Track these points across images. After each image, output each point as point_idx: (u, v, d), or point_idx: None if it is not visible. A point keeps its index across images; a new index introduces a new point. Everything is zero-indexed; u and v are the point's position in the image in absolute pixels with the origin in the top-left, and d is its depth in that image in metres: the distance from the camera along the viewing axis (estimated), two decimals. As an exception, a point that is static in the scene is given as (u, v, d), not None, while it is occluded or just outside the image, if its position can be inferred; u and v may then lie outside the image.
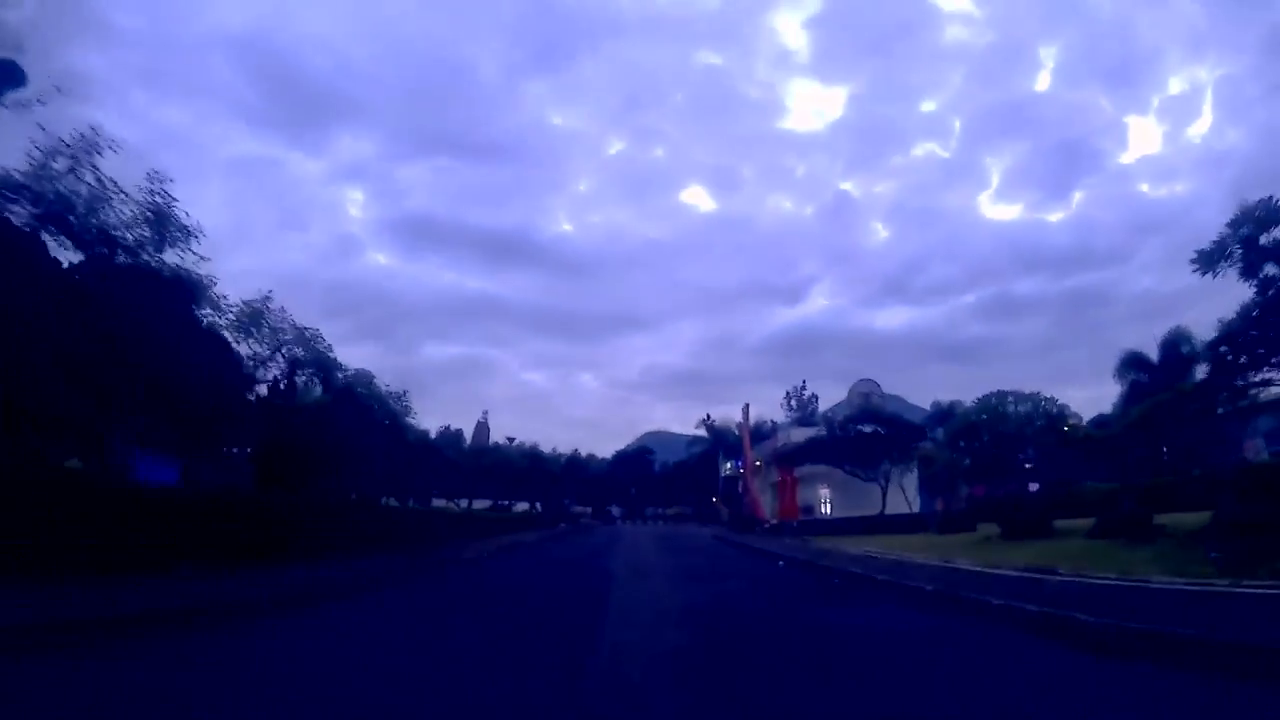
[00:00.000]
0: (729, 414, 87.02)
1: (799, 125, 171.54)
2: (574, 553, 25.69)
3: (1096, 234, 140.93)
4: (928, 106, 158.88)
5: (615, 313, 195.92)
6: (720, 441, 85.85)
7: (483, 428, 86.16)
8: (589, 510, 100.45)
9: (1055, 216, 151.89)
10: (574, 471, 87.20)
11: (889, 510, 40.66)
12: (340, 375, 25.34)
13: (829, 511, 54.54)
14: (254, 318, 18.88)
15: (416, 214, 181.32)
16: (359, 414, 24.10)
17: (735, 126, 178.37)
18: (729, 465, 73.15)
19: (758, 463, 58.84)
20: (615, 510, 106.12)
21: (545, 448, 78.91)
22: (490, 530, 36.36)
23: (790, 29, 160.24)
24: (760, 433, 76.46)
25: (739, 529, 54.08)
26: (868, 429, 41.68)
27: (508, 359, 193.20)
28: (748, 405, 63.11)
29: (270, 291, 20.09)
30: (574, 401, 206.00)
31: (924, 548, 19.67)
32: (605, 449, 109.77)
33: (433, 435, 53.30)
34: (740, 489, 65.95)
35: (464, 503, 50.54)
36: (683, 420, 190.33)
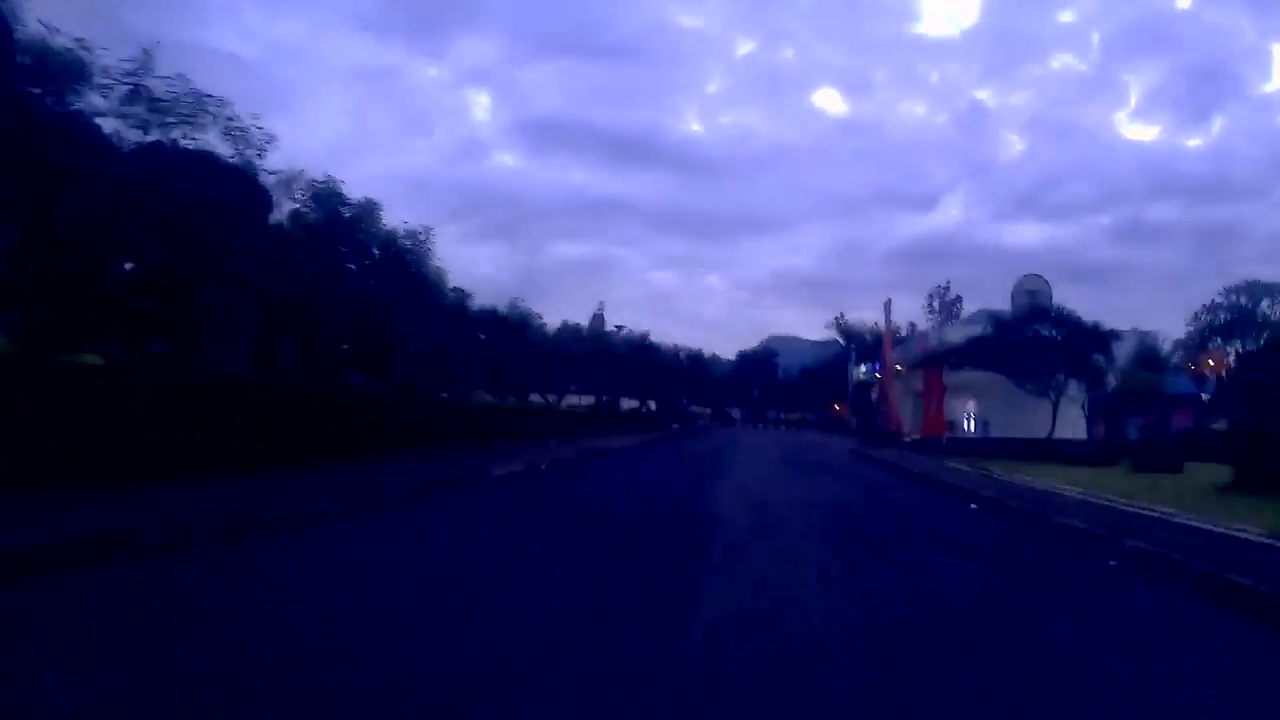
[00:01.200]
0: (861, 318, 78.37)
1: (932, 30, 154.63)
2: (670, 468, 20.18)
3: (1234, 164, 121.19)
4: (1065, 17, 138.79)
5: (743, 215, 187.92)
6: (852, 344, 77.95)
7: (599, 319, 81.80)
8: (708, 411, 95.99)
9: (1193, 142, 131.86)
10: (695, 371, 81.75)
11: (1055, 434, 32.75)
12: (298, 197, 17.04)
13: (974, 429, 46.82)
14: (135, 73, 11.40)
15: (543, 115, 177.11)
16: (357, 257, 18.11)
17: (867, 29, 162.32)
18: (862, 370, 65.48)
19: (898, 368, 51.12)
20: (736, 413, 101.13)
21: (667, 344, 72.92)
22: (579, 430, 31.79)
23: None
24: (895, 339, 67.77)
25: (871, 441, 47.41)
26: (1043, 331, 33.26)
27: (634, 258, 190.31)
28: (889, 301, 54.57)
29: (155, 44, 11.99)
30: (700, 302, 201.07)
31: (1150, 493, 12.87)
32: (729, 351, 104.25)
33: (552, 329, 48.93)
34: (875, 397, 58.63)
35: (558, 399, 46.37)
36: (808, 325, 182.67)
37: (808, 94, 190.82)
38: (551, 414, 33.05)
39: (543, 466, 17.96)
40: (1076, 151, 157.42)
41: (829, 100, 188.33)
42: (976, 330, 35.75)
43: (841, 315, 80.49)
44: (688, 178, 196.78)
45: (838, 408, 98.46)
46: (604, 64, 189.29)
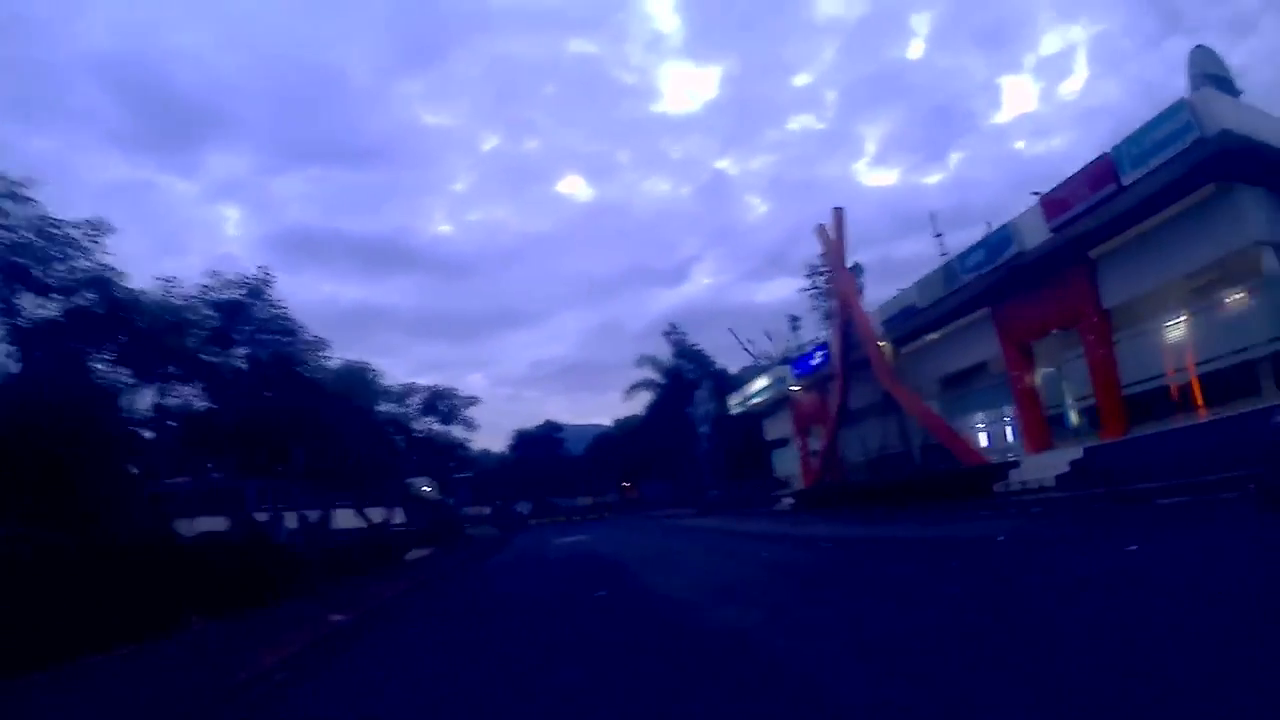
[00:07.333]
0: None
1: (674, 108, 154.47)
2: None
3: (974, 191, 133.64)
4: (801, 80, 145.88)
5: (499, 310, 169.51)
6: (689, 371, 53.93)
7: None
8: (486, 510, 66.24)
9: (933, 179, 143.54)
10: (458, 449, 51.12)
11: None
12: None
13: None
14: None
15: (293, 227, 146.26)
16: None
17: (609, 113, 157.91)
18: (760, 385, 40.33)
19: (883, 344, 27.49)
20: (524, 508, 72.38)
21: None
22: None
23: (662, 12, 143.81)
24: (750, 367, 45.22)
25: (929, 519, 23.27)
26: None
27: (393, 366, 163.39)
28: (841, 211, 30.74)
29: None
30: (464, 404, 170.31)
31: None
32: (498, 448, 78.42)
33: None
34: (830, 410, 34.25)
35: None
36: (575, 411, 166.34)
37: (553, 183, 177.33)
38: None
39: None
40: (819, 204, 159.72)
41: (574, 186, 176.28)
42: None
43: (674, 327, 56.71)
44: (441, 279, 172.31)
45: (626, 485, 74.18)
46: (351, 169, 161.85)
